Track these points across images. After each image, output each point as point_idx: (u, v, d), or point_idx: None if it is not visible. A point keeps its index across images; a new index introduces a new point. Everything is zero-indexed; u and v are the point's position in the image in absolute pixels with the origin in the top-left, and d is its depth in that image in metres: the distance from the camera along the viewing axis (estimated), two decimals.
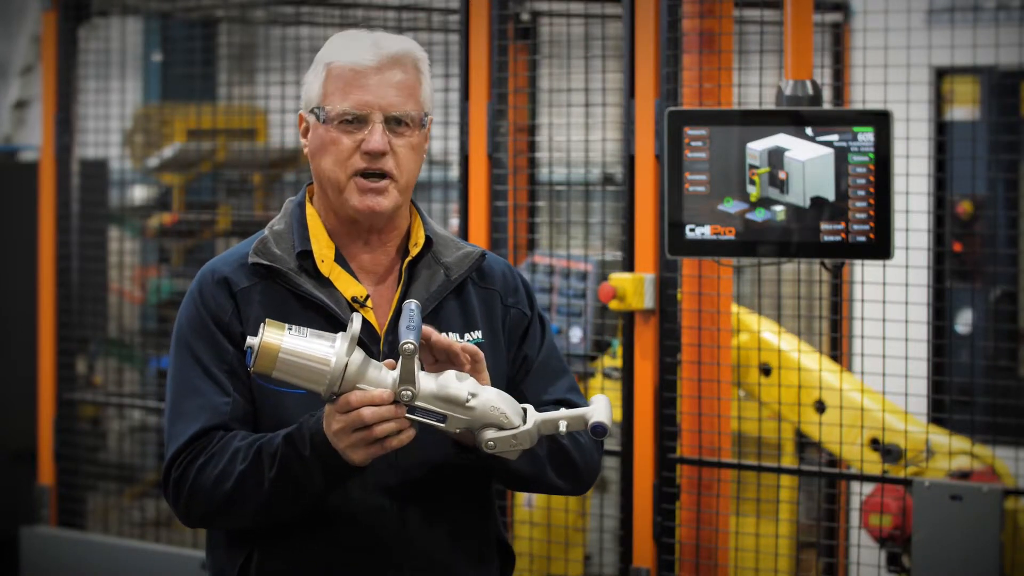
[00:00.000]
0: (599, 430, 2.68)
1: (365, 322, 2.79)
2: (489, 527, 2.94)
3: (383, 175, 2.81)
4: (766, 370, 4.87)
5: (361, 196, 2.81)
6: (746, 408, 4.96)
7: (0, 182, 6.98)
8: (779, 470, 4.54)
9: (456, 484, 2.85)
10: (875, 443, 4.65)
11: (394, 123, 2.81)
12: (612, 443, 4.95)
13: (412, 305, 2.65)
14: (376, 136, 2.80)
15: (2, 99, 9.84)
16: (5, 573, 6.31)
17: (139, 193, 8.09)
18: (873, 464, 4.67)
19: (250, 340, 2.65)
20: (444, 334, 2.75)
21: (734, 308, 4.93)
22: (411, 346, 2.59)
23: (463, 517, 2.88)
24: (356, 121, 2.81)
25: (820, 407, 4.73)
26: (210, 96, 7.18)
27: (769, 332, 4.94)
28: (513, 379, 2.92)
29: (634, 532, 4.47)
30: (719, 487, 4.43)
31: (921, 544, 4.26)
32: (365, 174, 2.81)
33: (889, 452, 4.63)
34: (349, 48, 2.82)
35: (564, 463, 2.85)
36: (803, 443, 5.28)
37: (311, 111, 2.85)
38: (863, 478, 4.56)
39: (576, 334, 5.07)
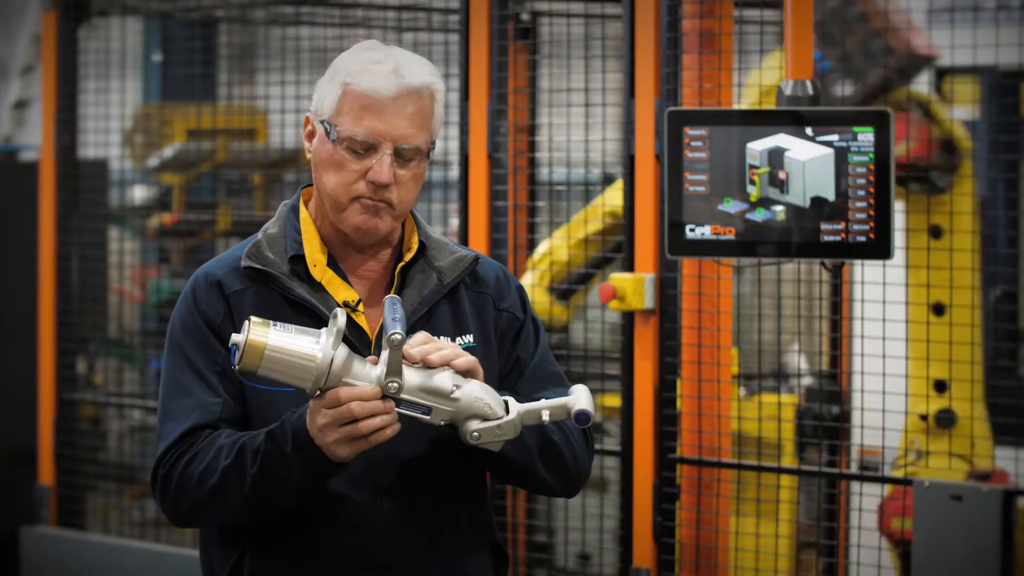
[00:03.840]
0: (582, 417, 2.68)
1: (356, 327, 2.82)
2: (484, 527, 2.94)
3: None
4: None
5: (359, 215, 2.81)
6: (746, 408, 4.96)
7: (0, 182, 6.97)
8: (779, 470, 4.53)
9: (450, 484, 2.85)
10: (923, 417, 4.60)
11: (402, 154, 2.81)
12: (612, 443, 4.95)
13: (393, 299, 2.66)
14: (384, 168, 2.78)
15: (2, 99, 9.84)
16: (5, 573, 6.31)
17: (139, 193, 8.10)
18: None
19: (235, 338, 2.64)
20: (438, 337, 2.76)
21: None
22: (399, 336, 2.59)
23: (457, 517, 2.88)
24: (365, 146, 2.80)
25: None
26: (210, 96, 7.18)
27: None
28: (506, 380, 2.92)
29: (634, 532, 4.47)
30: (719, 487, 4.43)
31: (921, 544, 4.25)
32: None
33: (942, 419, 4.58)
34: (369, 72, 2.79)
35: (554, 458, 2.85)
36: (803, 443, 5.27)
37: (321, 122, 2.83)
38: (863, 478, 4.56)
39: None
